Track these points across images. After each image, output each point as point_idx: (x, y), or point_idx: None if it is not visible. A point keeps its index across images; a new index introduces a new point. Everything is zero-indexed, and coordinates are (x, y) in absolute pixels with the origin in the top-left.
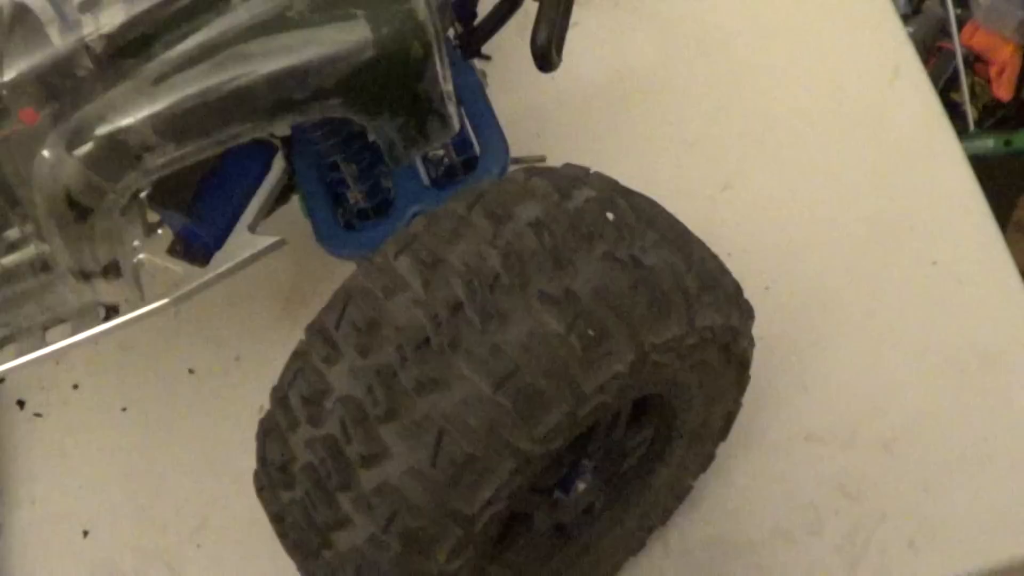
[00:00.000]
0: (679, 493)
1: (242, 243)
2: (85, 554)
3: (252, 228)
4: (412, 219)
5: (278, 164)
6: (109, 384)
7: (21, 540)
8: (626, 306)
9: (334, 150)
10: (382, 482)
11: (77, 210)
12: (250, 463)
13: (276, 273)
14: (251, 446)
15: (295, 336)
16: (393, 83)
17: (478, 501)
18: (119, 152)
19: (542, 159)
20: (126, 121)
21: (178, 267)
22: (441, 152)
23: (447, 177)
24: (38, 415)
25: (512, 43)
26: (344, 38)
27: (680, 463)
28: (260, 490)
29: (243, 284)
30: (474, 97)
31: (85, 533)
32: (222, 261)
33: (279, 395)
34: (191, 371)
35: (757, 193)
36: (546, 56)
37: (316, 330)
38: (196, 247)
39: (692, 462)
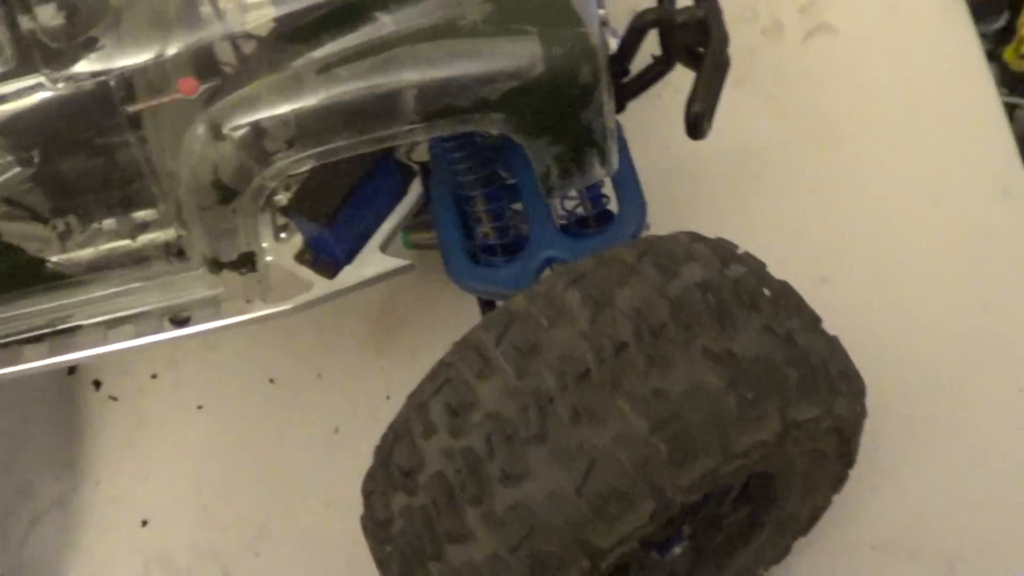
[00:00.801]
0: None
1: (373, 262)
2: (141, 543)
3: (383, 248)
4: (545, 264)
5: (415, 189)
6: (188, 380)
7: (79, 519)
8: (780, 378)
9: (474, 184)
10: (518, 502)
11: (222, 191)
12: (318, 481)
13: (367, 297)
14: (321, 464)
15: (378, 362)
16: (558, 106)
17: (613, 537)
18: (274, 137)
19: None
20: (286, 106)
21: (305, 275)
22: (575, 200)
23: (578, 227)
24: (113, 398)
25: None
26: (515, 53)
27: (759, 550)
28: (371, 493)
29: (334, 303)
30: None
31: (144, 523)
32: (350, 277)
33: (418, 401)
34: (271, 380)
35: (852, 291)
36: (699, 124)
37: (470, 345)
38: (325, 259)
39: (770, 552)
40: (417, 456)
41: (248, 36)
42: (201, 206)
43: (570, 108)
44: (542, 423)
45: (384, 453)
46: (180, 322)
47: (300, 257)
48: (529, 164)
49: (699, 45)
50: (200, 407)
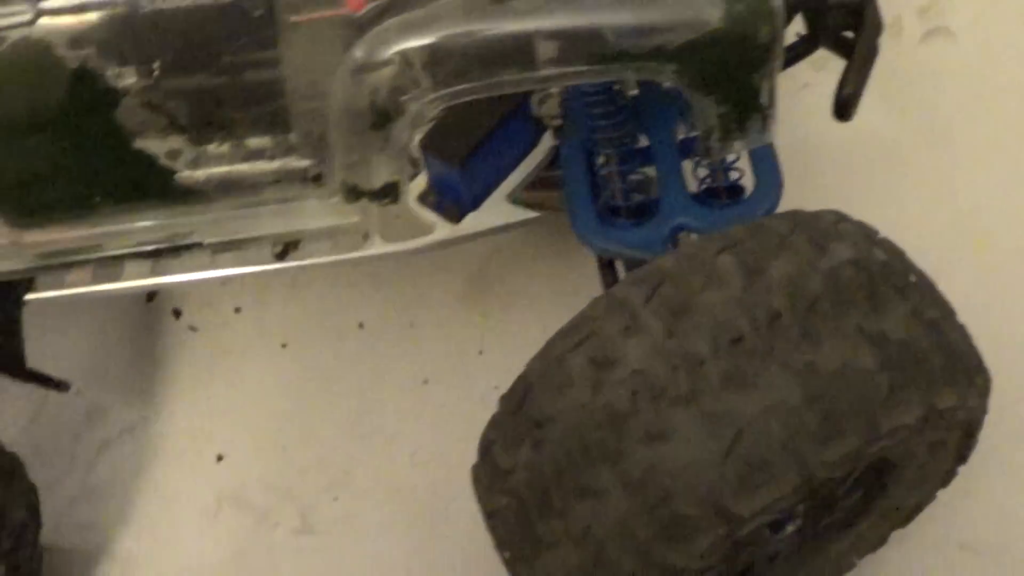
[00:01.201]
0: (843, 567)
1: (499, 211)
2: (214, 478)
3: (511, 199)
4: (675, 230)
5: (546, 142)
6: (273, 317)
7: (150, 448)
8: (926, 363)
9: (610, 143)
10: (659, 462)
11: (377, 116)
12: (404, 431)
13: (466, 252)
14: (408, 415)
15: (471, 318)
16: (732, 63)
17: (754, 506)
18: (438, 64)
19: None
20: (456, 31)
21: (430, 217)
22: (706, 170)
23: (709, 196)
24: (193, 328)
25: None
26: (697, 4)
27: (859, 538)
28: (491, 442)
29: (432, 254)
30: None
31: (219, 457)
32: (474, 224)
33: (555, 353)
34: (361, 325)
35: (957, 290)
36: (847, 107)
37: (616, 301)
38: (450, 203)
39: (867, 540)
40: (552, 408)
41: None
42: (352, 131)
43: (744, 68)
44: (691, 385)
45: (513, 403)
46: (282, 254)
47: (423, 198)
48: (666, 127)
49: (848, 30)
50: (284, 345)
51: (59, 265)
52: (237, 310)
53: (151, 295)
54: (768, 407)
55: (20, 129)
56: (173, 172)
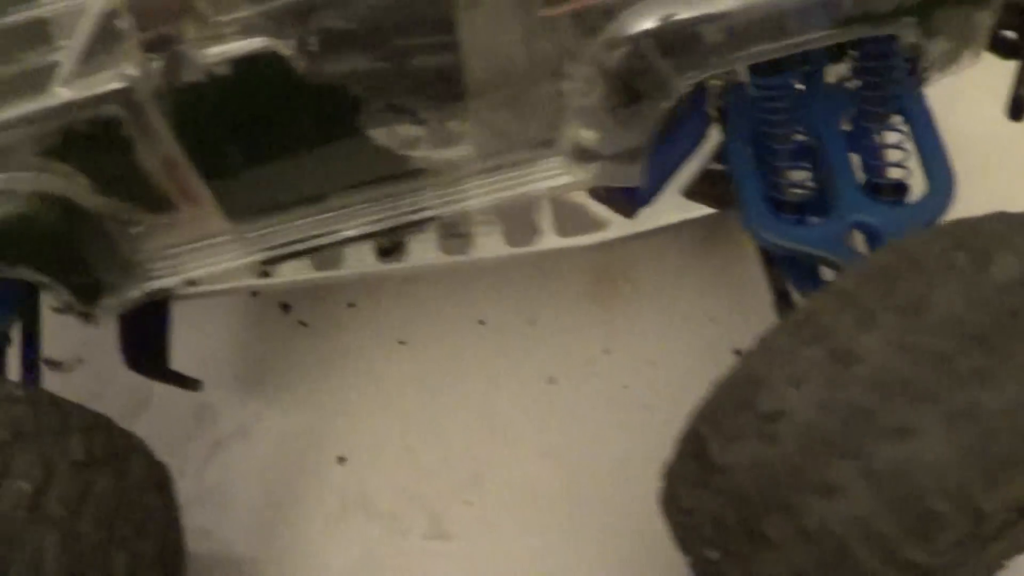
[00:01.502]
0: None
1: (674, 205)
2: (337, 480)
3: (686, 194)
4: (852, 227)
5: (715, 134)
6: (389, 313)
7: (266, 449)
8: None
9: (780, 138)
10: (906, 458)
11: (629, 93)
12: (532, 431)
13: (593, 249)
14: (535, 414)
15: (596, 315)
16: (962, 8)
17: (1002, 502)
18: (693, 45)
19: None
20: (710, 11)
21: (603, 212)
22: (876, 163)
23: (877, 193)
24: (303, 324)
25: None
26: None
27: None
28: (703, 438)
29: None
30: (926, 127)
31: (340, 460)
32: (650, 219)
33: (784, 346)
34: (481, 322)
35: None
36: (1021, 108)
37: (844, 295)
38: (623, 197)
39: None
40: (782, 402)
41: None
42: (608, 105)
43: (971, 7)
44: (938, 381)
45: (736, 398)
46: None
47: (594, 192)
48: (834, 121)
49: (1010, 29)
50: (402, 343)
51: (278, 257)
52: (351, 305)
53: (255, 292)
54: (1016, 402)
55: (262, 135)
56: (407, 157)
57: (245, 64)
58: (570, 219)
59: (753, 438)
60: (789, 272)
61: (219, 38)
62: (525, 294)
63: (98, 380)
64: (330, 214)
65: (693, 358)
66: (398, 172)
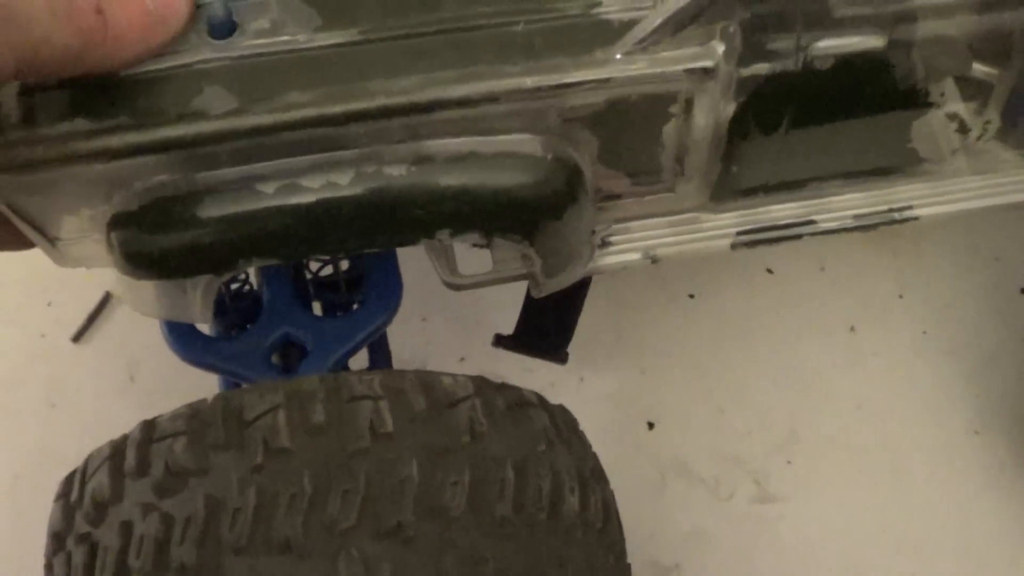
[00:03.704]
0: None
1: None
2: (649, 447)
3: None
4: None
5: None
6: (673, 267)
7: None
8: None
9: None
10: None
11: None
12: (842, 383)
13: None
14: (842, 364)
15: (882, 259)
16: None
17: None
18: None
19: None
20: None
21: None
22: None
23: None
24: None
25: None
26: None
27: None
28: None
29: None
30: None
31: (650, 425)
32: None
33: None
34: (769, 271)
35: None
36: None
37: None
38: None
39: None
40: None
41: None
42: None
43: None
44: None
45: None
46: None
47: None
48: None
49: None
50: (691, 296)
51: (749, 242)
52: None
53: None
54: None
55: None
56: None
57: (848, 60)
58: None
59: None
60: None
61: (837, 30)
62: (809, 240)
63: None
64: (812, 202)
65: (984, 300)
66: (905, 162)
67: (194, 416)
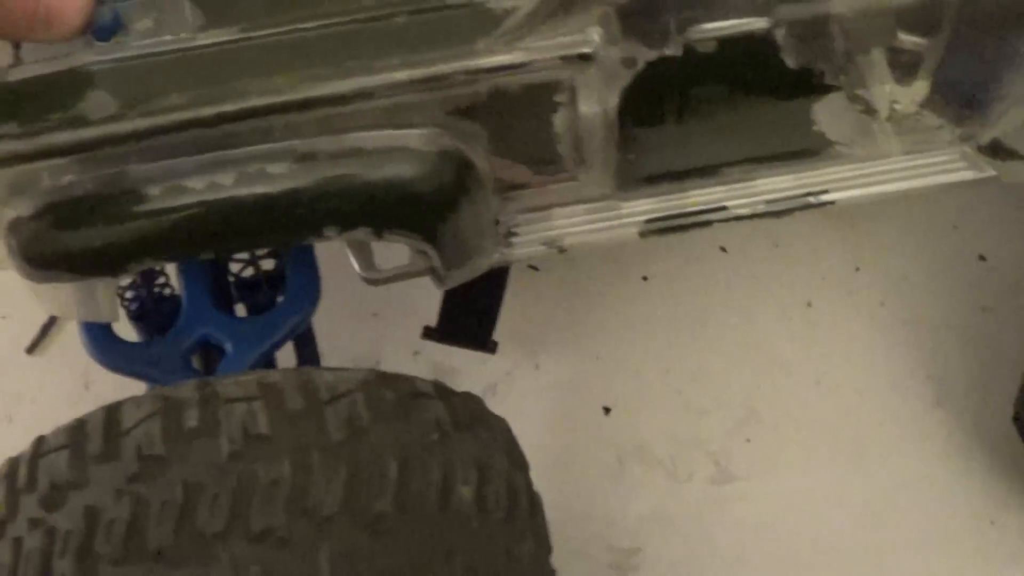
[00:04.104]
0: None
1: None
2: (606, 432)
3: None
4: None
5: None
6: (628, 249)
7: (522, 403)
8: None
9: None
10: None
11: None
12: (800, 358)
13: None
14: (799, 339)
15: (838, 232)
16: None
17: None
18: None
19: None
20: None
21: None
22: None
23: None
24: (533, 268)
25: None
26: None
27: None
28: None
29: None
30: None
31: (606, 410)
32: None
33: None
34: (723, 249)
35: None
36: None
37: None
38: None
39: None
40: None
41: None
42: None
43: None
44: None
45: None
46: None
47: None
48: None
49: None
50: (645, 278)
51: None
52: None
53: None
54: None
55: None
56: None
57: (732, 43)
58: None
59: None
60: None
61: (716, 13)
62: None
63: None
64: (721, 188)
65: (941, 268)
66: (814, 146)
67: (78, 429)
